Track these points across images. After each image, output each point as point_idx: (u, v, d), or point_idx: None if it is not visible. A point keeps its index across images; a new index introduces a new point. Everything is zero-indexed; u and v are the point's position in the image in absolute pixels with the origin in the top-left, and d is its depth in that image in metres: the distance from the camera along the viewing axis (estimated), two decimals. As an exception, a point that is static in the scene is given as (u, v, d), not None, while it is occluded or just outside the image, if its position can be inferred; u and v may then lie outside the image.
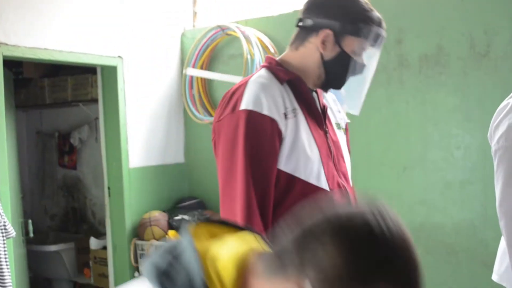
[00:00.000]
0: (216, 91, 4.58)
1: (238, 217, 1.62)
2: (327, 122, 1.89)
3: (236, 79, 4.14)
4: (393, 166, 3.87)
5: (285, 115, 1.71)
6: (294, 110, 1.74)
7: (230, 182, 1.68)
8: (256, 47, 4.12)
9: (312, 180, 1.73)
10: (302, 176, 1.72)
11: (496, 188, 2.05)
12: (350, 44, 1.75)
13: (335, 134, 1.91)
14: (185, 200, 4.51)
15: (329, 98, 1.99)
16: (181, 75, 4.59)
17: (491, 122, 2.11)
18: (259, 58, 4.12)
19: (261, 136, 1.67)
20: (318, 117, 1.83)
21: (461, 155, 3.64)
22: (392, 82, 3.85)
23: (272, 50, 4.18)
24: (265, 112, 1.67)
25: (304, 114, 1.77)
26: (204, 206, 4.51)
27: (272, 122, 1.67)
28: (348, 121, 2.08)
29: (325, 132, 1.85)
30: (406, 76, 3.79)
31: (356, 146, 3.98)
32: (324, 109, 1.89)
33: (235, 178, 1.66)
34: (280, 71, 1.79)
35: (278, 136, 1.69)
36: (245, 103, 1.69)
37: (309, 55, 1.79)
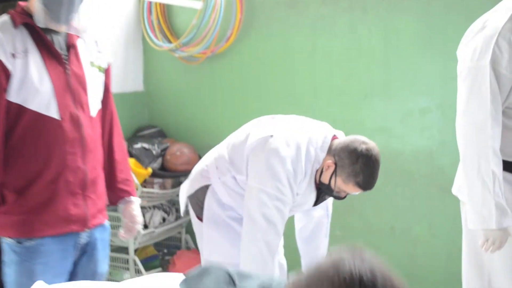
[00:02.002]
0: (176, 17, 4.45)
1: None
2: (73, 59, 2.17)
3: (196, 4, 4.02)
4: (354, 94, 3.87)
5: (13, 55, 2.02)
6: (25, 50, 2.05)
7: None
8: (216, -30, 3.99)
9: (42, 110, 2.06)
10: (32, 107, 2.05)
11: (457, 105, 2.11)
12: None
13: (81, 70, 2.19)
14: (144, 129, 4.44)
15: (90, 39, 2.28)
16: (139, 0, 4.43)
17: (462, 39, 2.13)
18: (220, -18, 4.00)
19: None
20: (57, 56, 2.12)
21: (421, 82, 3.66)
22: (355, 9, 3.79)
23: (233, -26, 4.05)
24: None
25: (41, 53, 2.08)
26: (164, 135, 4.46)
27: None
28: (111, 62, 2.40)
29: (65, 68, 2.13)
30: (369, 2, 3.74)
31: (318, 74, 3.97)
32: (69, 48, 2.17)
33: None
34: (17, 16, 2.09)
35: (4, 73, 2.01)
36: None
37: None
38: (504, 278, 2.24)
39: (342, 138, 2.44)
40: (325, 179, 2.40)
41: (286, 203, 2.37)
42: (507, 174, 2.15)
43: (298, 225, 2.85)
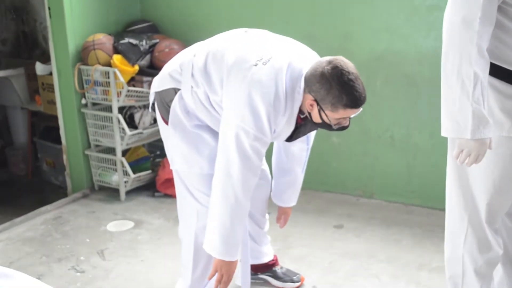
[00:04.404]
0: None
1: None
2: None
3: None
4: (356, -12, 3.52)
5: None
6: None
7: None
8: None
9: None
10: None
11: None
12: None
13: None
14: (136, 23, 4.15)
15: None
16: None
17: None
18: None
19: None
20: None
21: (431, -24, 3.28)
22: None
23: None
24: None
25: None
26: (157, 30, 4.18)
27: None
28: None
29: None
30: None
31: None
32: None
33: None
34: None
35: None
36: None
37: None
38: (485, 197, 2.00)
39: (309, 68, 2.12)
40: (316, 118, 2.14)
41: (264, 143, 2.15)
42: (495, 80, 1.86)
43: (275, 156, 2.64)
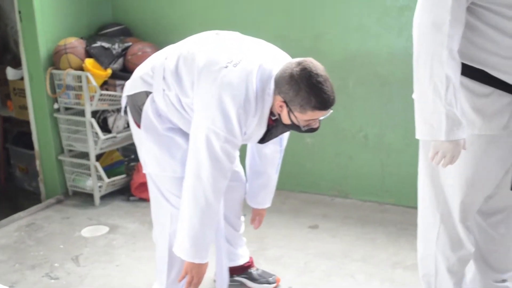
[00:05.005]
0: None
1: None
2: None
3: None
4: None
5: None
6: None
7: None
8: None
9: None
10: None
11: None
12: None
13: None
14: (108, 27, 4.12)
15: None
16: None
17: None
18: None
19: None
20: None
21: (401, -24, 3.31)
22: None
23: None
24: None
25: None
26: (129, 33, 4.15)
27: None
28: None
29: None
30: None
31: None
32: None
33: None
34: None
35: None
36: None
37: None
38: (459, 195, 2.03)
39: (279, 70, 2.13)
40: (285, 120, 2.15)
41: (234, 145, 2.15)
42: (466, 80, 1.88)
43: (248, 158, 2.64)
